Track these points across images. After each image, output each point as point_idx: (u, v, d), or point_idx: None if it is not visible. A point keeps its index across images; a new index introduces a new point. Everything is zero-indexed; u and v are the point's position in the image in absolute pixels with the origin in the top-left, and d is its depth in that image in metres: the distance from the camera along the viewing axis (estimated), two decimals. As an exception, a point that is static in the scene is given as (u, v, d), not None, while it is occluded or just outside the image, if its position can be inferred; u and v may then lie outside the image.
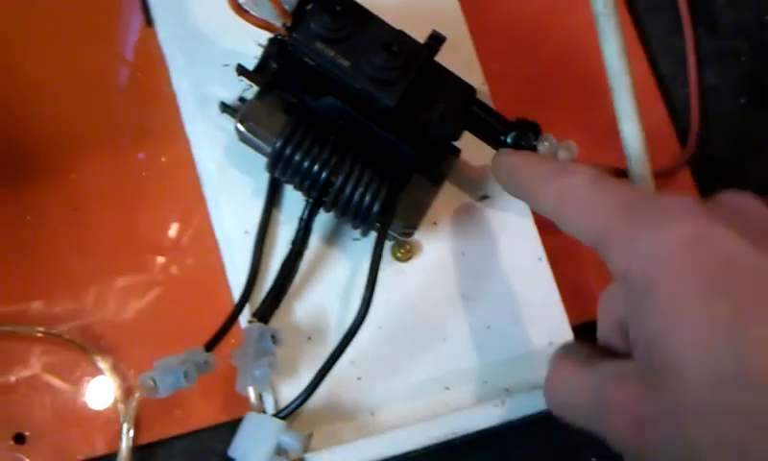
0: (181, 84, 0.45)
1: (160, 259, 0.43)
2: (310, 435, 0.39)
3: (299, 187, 0.41)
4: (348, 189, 0.40)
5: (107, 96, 0.45)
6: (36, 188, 0.43)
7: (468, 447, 0.42)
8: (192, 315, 0.43)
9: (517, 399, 0.42)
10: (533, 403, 0.42)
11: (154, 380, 0.37)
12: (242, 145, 0.42)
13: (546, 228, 0.45)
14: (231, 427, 0.39)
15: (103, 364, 0.41)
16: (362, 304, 0.39)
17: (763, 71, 0.54)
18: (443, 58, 0.41)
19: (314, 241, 0.42)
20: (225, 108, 0.43)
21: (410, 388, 0.42)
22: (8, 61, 0.45)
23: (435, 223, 0.44)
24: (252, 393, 0.40)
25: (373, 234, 0.41)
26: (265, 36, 0.41)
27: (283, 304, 0.41)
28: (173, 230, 0.44)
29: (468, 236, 0.44)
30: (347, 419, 0.41)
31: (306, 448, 0.39)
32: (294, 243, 0.41)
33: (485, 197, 0.45)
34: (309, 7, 0.39)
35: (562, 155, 0.41)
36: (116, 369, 0.41)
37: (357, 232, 0.42)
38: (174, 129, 0.45)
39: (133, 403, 0.39)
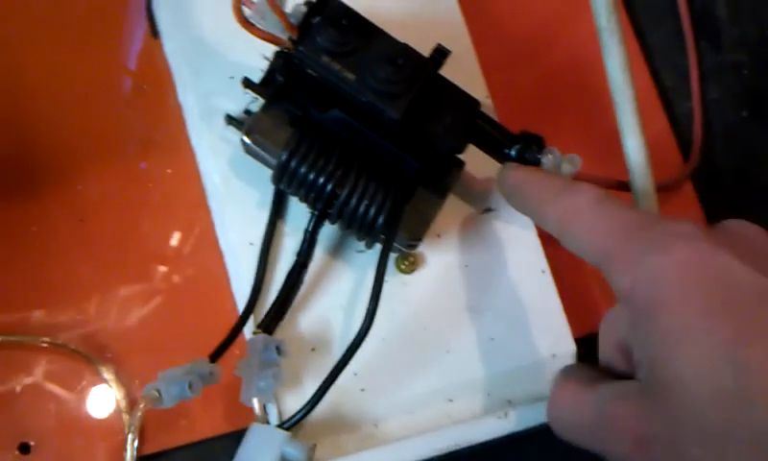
0: (187, 97, 0.45)
1: (165, 270, 0.43)
2: (314, 446, 0.39)
3: (304, 199, 0.41)
4: (353, 201, 0.40)
5: (112, 108, 0.46)
6: (42, 199, 0.44)
7: (472, 458, 0.42)
8: (196, 326, 0.43)
9: (521, 410, 0.42)
10: (536, 415, 0.42)
11: (158, 391, 0.37)
12: (247, 157, 0.42)
13: (550, 240, 0.45)
14: (236, 438, 0.40)
15: (107, 374, 0.41)
16: (366, 316, 0.40)
17: (765, 84, 0.55)
18: (447, 71, 0.41)
19: (319, 253, 0.42)
20: (230, 120, 0.43)
21: (413, 399, 0.42)
22: (14, 73, 0.45)
23: (439, 235, 0.44)
24: (256, 404, 0.40)
25: (378, 247, 0.41)
26: (271, 50, 0.41)
27: (288, 316, 0.42)
28: (178, 242, 0.44)
29: (471, 249, 0.44)
30: (350, 430, 0.41)
31: (310, 459, 0.39)
32: (299, 255, 0.41)
33: (489, 209, 0.45)
34: (315, 21, 0.39)
35: (565, 168, 0.41)
36: (121, 379, 0.41)
37: (361, 245, 0.42)
38: (179, 141, 0.45)
39: (138, 414, 0.39)
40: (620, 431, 0.31)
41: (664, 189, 0.49)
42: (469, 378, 0.43)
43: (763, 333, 0.29)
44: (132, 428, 0.39)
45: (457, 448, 0.41)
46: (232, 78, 0.44)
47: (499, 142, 0.42)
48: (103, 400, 0.41)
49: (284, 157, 0.40)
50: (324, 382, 0.39)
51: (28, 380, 0.41)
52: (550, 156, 0.41)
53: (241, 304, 0.42)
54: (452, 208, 0.44)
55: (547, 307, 0.44)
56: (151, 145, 0.45)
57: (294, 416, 0.39)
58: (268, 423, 0.40)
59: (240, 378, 0.39)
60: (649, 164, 0.42)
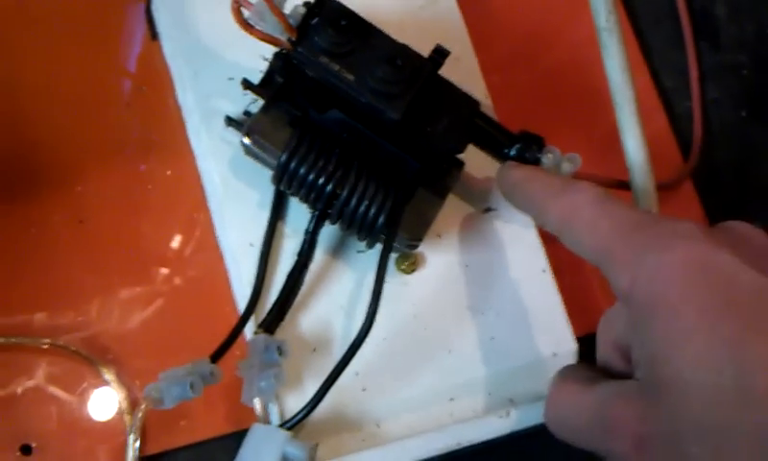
0: (187, 98, 0.45)
1: (165, 271, 0.44)
2: (316, 446, 0.39)
3: (304, 200, 0.41)
4: (353, 202, 0.40)
5: (112, 109, 0.46)
6: (41, 201, 0.44)
7: (473, 457, 0.42)
8: (197, 327, 0.43)
9: (522, 409, 0.42)
10: (537, 414, 0.42)
11: (159, 391, 0.37)
12: (247, 158, 0.42)
13: (550, 239, 0.45)
14: (237, 438, 0.40)
15: (108, 375, 0.41)
16: (367, 316, 0.40)
17: (764, 84, 0.55)
18: (446, 71, 0.41)
19: (319, 253, 0.42)
20: (230, 121, 0.43)
21: (415, 399, 0.42)
22: (13, 75, 0.45)
23: (439, 235, 0.44)
24: (257, 404, 0.40)
25: (378, 247, 0.41)
26: (270, 51, 0.41)
27: (288, 316, 0.42)
28: (178, 243, 0.44)
29: (472, 248, 0.45)
30: (352, 430, 0.41)
31: (312, 459, 0.39)
32: (299, 255, 0.41)
33: (489, 209, 0.45)
34: (314, 21, 0.39)
35: (565, 167, 0.41)
36: (122, 380, 0.41)
37: (362, 245, 0.42)
38: (179, 142, 0.45)
39: (139, 414, 0.39)
40: (619, 431, 0.31)
41: (664, 188, 0.49)
42: (471, 378, 0.43)
43: (764, 332, 0.29)
44: (134, 429, 0.39)
45: (459, 447, 0.41)
46: (232, 79, 0.44)
47: (499, 142, 0.42)
48: (104, 401, 0.41)
49: (284, 158, 0.40)
50: (326, 382, 0.39)
51: (29, 382, 0.41)
52: (550, 155, 0.41)
53: (242, 305, 0.42)
54: (452, 208, 0.44)
55: (548, 306, 0.44)
56: (150, 146, 0.45)
57: (295, 416, 0.39)
58: (269, 423, 0.40)
59: (241, 379, 0.39)
60: (649, 163, 0.42)
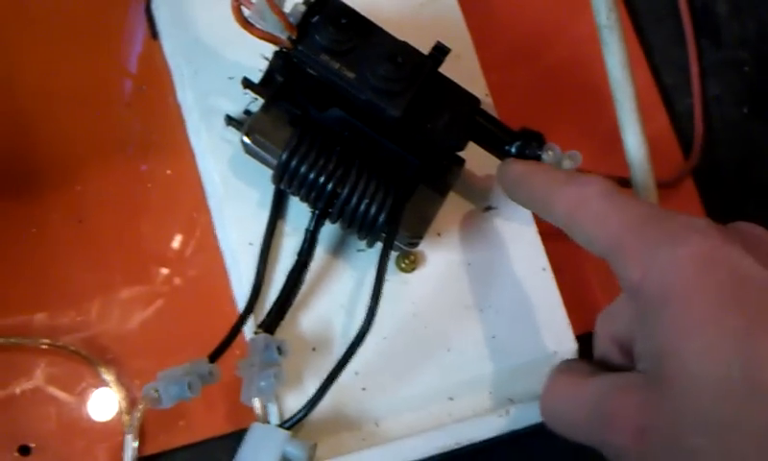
0: (187, 97, 0.45)
1: (165, 271, 0.43)
2: (315, 445, 0.39)
3: (304, 199, 0.41)
4: (353, 200, 0.40)
5: (112, 108, 0.46)
6: (41, 201, 0.44)
7: (473, 456, 0.42)
8: (196, 326, 0.43)
9: (522, 408, 0.42)
10: (537, 413, 0.41)
11: (158, 391, 0.37)
12: (247, 157, 0.42)
13: (550, 238, 0.45)
14: (236, 438, 0.40)
15: (107, 375, 0.41)
16: (367, 315, 0.40)
17: (766, 81, 0.55)
18: (447, 69, 0.41)
19: (319, 252, 0.42)
20: (230, 120, 0.43)
21: (414, 398, 0.42)
22: (12, 73, 0.45)
23: (439, 233, 0.44)
24: (257, 403, 0.40)
25: (378, 246, 0.41)
26: (270, 49, 0.41)
27: (288, 315, 0.41)
28: (177, 242, 0.44)
29: (472, 247, 0.44)
30: (351, 429, 0.41)
31: (311, 459, 0.39)
32: (299, 254, 0.41)
33: (489, 207, 0.45)
34: (314, 20, 0.39)
35: (566, 164, 0.41)
36: (120, 380, 0.41)
37: (362, 243, 0.42)
38: (179, 141, 0.45)
39: (138, 414, 0.39)
40: (619, 422, 0.31)
41: (665, 186, 0.49)
42: (470, 377, 0.42)
43: None
44: (132, 429, 0.39)
45: (458, 446, 0.41)
46: (232, 78, 0.44)
47: (499, 139, 0.42)
48: (103, 401, 0.41)
49: (284, 157, 0.40)
50: (325, 381, 0.39)
51: (28, 382, 0.41)
52: (551, 152, 0.41)
53: (240, 305, 0.42)
54: (453, 206, 0.44)
55: (548, 305, 0.44)
56: (150, 145, 0.45)
57: (295, 415, 0.39)
58: (269, 422, 0.40)
59: (240, 378, 0.39)
60: (649, 161, 0.42)
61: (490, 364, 0.43)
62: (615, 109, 0.43)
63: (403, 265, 0.43)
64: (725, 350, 0.29)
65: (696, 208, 0.50)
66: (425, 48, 0.40)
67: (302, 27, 0.39)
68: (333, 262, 0.43)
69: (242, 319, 0.41)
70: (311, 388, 0.39)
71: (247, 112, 0.43)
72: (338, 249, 0.43)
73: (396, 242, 0.41)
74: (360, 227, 0.40)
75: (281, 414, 0.40)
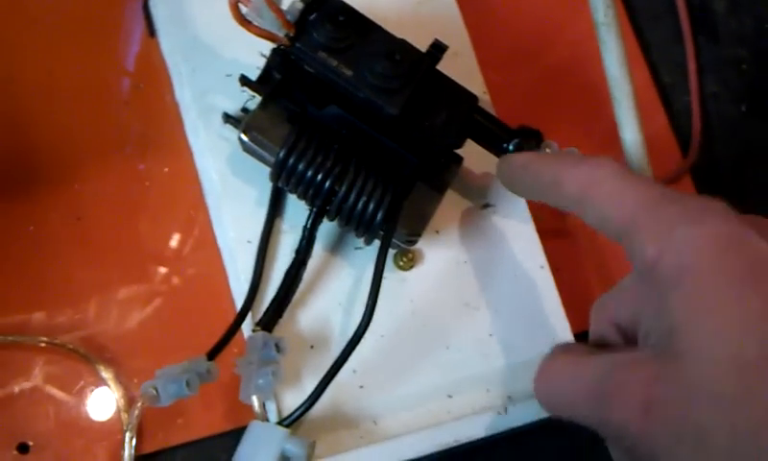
0: (184, 95, 0.45)
1: (163, 269, 0.43)
2: (314, 443, 0.39)
3: (302, 196, 0.41)
4: (351, 198, 0.40)
5: (109, 107, 0.46)
6: (39, 199, 0.43)
7: (471, 454, 0.42)
8: (194, 324, 0.43)
9: (520, 406, 0.42)
10: (535, 411, 0.42)
11: (156, 389, 0.37)
12: (244, 155, 0.42)
13: (548, 235, 0.45)
14: (235, 436, 0.39)
15: (105, 374, 0.41)
16: (365, 313, 0.40)
17: (764, 79, 0.55)
18: (444, 67, 0.41)
19: (317, 250, 0.42)
20: (228, 118, 0.43)
21: (413, 396, 0.42)
22: (10, 72, 0.45)
23: (437, 231, 0.44)
24: (255, 401, 0.40)
25: (376, 243, 0.41)
26: (268, 47, 0.41)
27: (286, 313, 0.41)
28: (175, 240, 0.44)
29: (470, 244, 0.44)
30: (349, 427, 0.41)
31: (310, 457, 0.39)
32: (297, 252, 0.41)
33: (487, 205, 0.45)
34: (312, 17, 0.39)
35: (564, 162, 0.41)
36: (119, 378, 0.41)
37: (360, 241, 0.42)
38: (176, 139, 0.45)
39: (136, 412, 0.39)
40: (624, 396, 0.31)
41: (663, 184, 0.49)
42: (469, 374, 0.42)
43: None
44: (130, 427, 0.39)
45: (457, 444, 0.41)
46: (229, 75, 0.44)
47: (497, 137, 0.42)
48: (101, 399, 0.41)
49: (282, 155, 0.40)
50: (323, 379, 0.39)
51: (26, 381, 0.41)
52: (548, 150, 0.41)
53: (238, 303, 0.42)
54: (451, 204, 0.44)
55: (546, 303, 0.44)
56: (148, 144, 0.45)
57: (293, 413, 0.39)
58: (267, 420, 0.40)
59: (239, 376, 0.39)
60: (647, 158, 0.42)
61: (488, 362, 0.43)
62: (613, 106, 0.43)
63: (401, 263, 0.43)
64: (741, 329, 0.29)
65: (694, 206, 0.50)
66: (423, 46, 0.40)
67: (300, 24, 0.39)
68: (331, 260, 0.43)
69: (240, 317, 0.41)
70: (309, 386, 0.39)
71: (244, 110, 0.43)
72: (336, 246, 0.43)
73: (393, 240, 0.41)
74: (358, 224, 0.40)
75: (280, 412, 0.40)
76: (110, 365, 0.41)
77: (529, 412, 0.42)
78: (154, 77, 0.46)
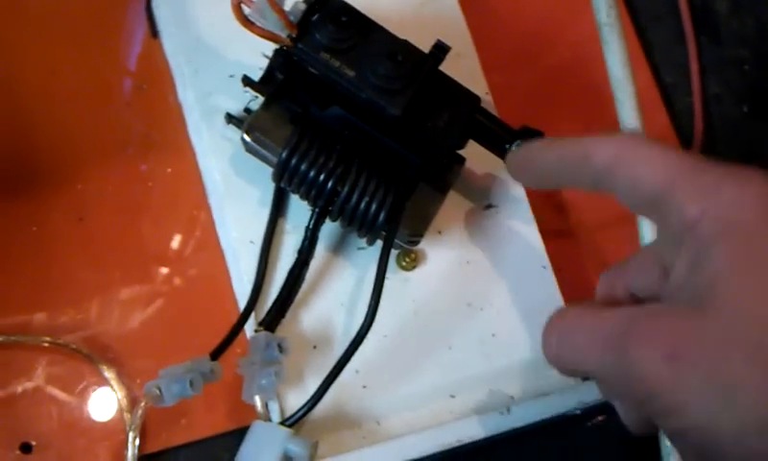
0: (187, 95, 0.45)
1: (165, 269, 0.43)
2: (316, 443, 0.39)
3: (304, 197, 0.41)
4: (354, 198, 0.40)
5: (112, 107, 0.46)
6: (42, 199, 0.44)
7: (474, 454, 0.42)
8: (197, 325, 0.43)
9: (523, 406, 0.42)
10: (538, 411, 0.42)
11: (159, 389, 0.37)
12: (247, 155, 0.42)
13: (550, 236, 0.45)
14: (237, 436, 0.40)
15: (108, 374, 0.41)
16: (368, 313, 0.40)
17: (766, 80, 0.55)
18: (447, 68, 0.41)
19: (319, 250, 0.42)
20: (230, 118, 0.43)
21: (415, 396, 0.42)
22: (13, 73, 0.45)
23: (440, 232, 0.44)
24: (258, 401, 0.40)
25: (379, 243, 0.41)
26: (271, 47, 0.41)
27: (289, 314, 0.42)
28: (178, 241, 0.44)
29: (472, 245, 0.44)
30: (352, 427, 0.41)
31: (313, 457, 0.39)
32: (300, 252, 0.41)
33: (490, 205, 0.45)
34: (314, 18, 0.39)
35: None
36: (122, 378, 0.41)
37: (363, 242, 0.42)
38: (179, 140, 0.45)
39: (139, 412, 0.39)
40: (651, 345, 0.29)
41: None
42: (471, 374, 0.42)
43: None
44: (134, 427, 0.39)
45: (459, 444, 0.41)
46: (232, 76, 0.44)
47: (500, 137, 0.42)
48: (104, 399, 0.41)
49: (285, 155, 0.40)
50: (326, 379, 0.39)
51: (29, 381, 0.41)
52: (551, 150, 0.41)
53: (242, 303, 0.42)
54: (453, 205, 0.44)
55: (548, 303, 0.44)
56: (151, 144, 0.45)
57: (296, 413, 0.39)
58: (270, 420, 0.40)
59: (242, 377, 0.39)
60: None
61: (490, 362, 0.43)
62: (616, 107, 0.43)
63: (404, 263, 0.43)
64: None
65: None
66: (426, 46, 0.40)
67: (303, 25, 0.39)
68: (334, 260, 0.43)
69: (243, 317, 0.41)
70: (312, 386, 0.39)
71: (247, 111, 0.43)
72: (338, 247, 0.43)
73: (396, 240, 0.41)
74: (360, 225, 0.41)
75: (282, 412, 0.40)
76: (113, 365, 0.41)
77: (532, 412, 0.42)
78: (156, 77, 0.46)
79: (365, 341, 0.39)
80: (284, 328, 0.41)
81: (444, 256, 0.44)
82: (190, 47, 0.45)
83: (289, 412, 0.40)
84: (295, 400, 0.40)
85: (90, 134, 0.45)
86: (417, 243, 0.43)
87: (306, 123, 0.41)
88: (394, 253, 0.43)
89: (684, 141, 0.52)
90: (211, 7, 0.45)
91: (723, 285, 0.29)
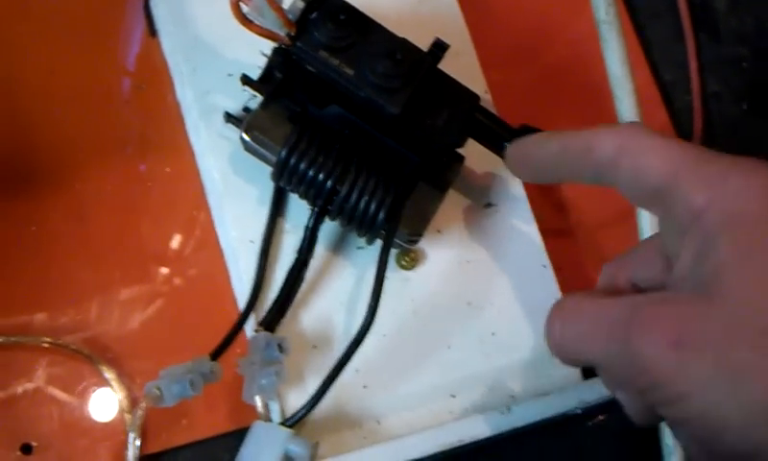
0: (186, 95, 0.45)
1: (165, 269, 0.43)
2: (317, 444, 0.39)
3: (304, 196, 0.41)
4: (353, 197, 0.40)
5: (111, 107, 0.46)
6: (41, 199, 0.43)
7: (474, 454, 0.42)
8: (197, 325, 0.43)
9: (523, 406, 0.42)
10: (539, 410, 0.42)
11: (159, 389, 0.37)
12: (246, 154, 0.42)
13: (550, 235, 0.45)
14: (238, 436, 0.39)
15: (109, 374, 0.41)
16: (368, 312, 0.39)
17: (765, 77, 0.55)
18: (445, 66, 0.41)
19: (319, 250, 0.42)
20: (229, 117, 0.43)
21: (416, 396, 0.42)
22: (11, 73, 0.45)
23: (439, 231, 0.44)
24: (258, 402, 0.40)
25: (378, 243, 0.41)
26: (269, 46, 0.41)
27: (289, 313, 0.41)
28: (177, 241, 0.44)
29: (472, 244, 0.44)
30: (353, 427, 0.41)
31: (313, 457, 0.39)
32: (299, 252, 0.41)
33: (489, 204, 0.45)
34: (313, 16, 0.39)
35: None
36: (122, 379, 0.41)
37: (362, 241, 0.42)
38: (178, 139, 0.45)
39: (140, 413, 0.39)
40: (656, 333, 0.29)
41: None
42: (471, 374, 0.42)
43: None
44: (134, 427, 0.39)
45: (460, 443, 0.41)
46: (231, 75, 0.44)
47: (499, 135, 0.41)
48: (105, 400, 0.41)
49: (284, 154, 0.40)
50: (327, 379, 0.39)
51: (29, 382, 0.41)
52: (550, 149, 0.41)
53: (242, 303, 0.42)
54: (453, 204, 0.44)
55: (549, 302, 0.43)
56: (149, 144, 0.45)
57: (296, 413, 0.39)
58: (270, 420, 0.40)
59: (242, 377, 0.39)
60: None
61: (491, 361, 0.43)
62: (615, 105, 0.43)
63: (404, 262, 0.43)
64: None
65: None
66: (424, 44, 0.40)
67: (301, 23, 0.39)
68: (333, 260, 0.43)
69: (243, 317, 0.41)
70: (312, 386, 0.39)
71: (246, 110, 0.43)
72: (338, 246, 0.43)
73: (395, 239, 0.41)
74: (360, 224, 0.40)
75: (283, 412, 0.40)
76: (113, 365, 0.41)
77: (532, 411, 0.42)
78: (155, 77, 0.46)
79: (365, 341, 0.39)
80: (284, 328, 0.41)
81: (444, 256, 0.44)
82: (188, 46, 0.45)
83: (289, 412, 0.40)
84: (295, 400, 0.40)
85: (89, 134, 0.45)
86: (416, 242, 0.43)
87: (305, 122, 0.41)
88: (393, 252, 0.43)
89: (684, 139, 0.52)
90: (209, 5, 0.45)
91: (729, 274, 0.29)
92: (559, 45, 0.52)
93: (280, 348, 0.39)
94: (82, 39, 0.46)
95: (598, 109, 0.48)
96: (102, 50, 0.46)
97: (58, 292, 0.42)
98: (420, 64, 0.39)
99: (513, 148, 0.40)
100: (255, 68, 0.42)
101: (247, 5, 0.38)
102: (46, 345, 0.41)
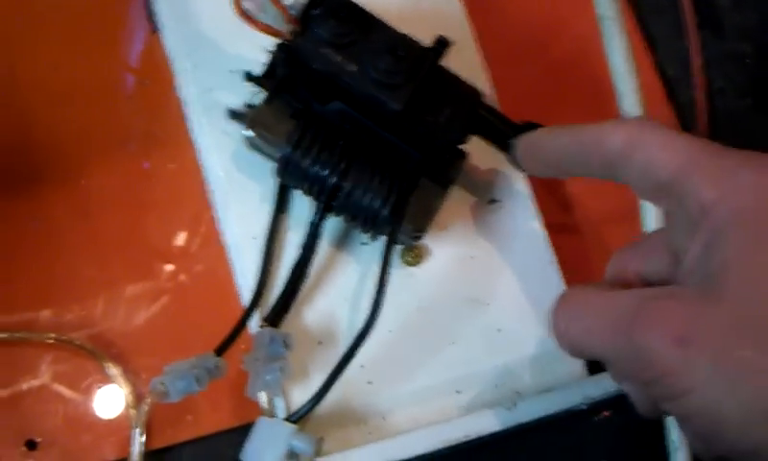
0: (188, 91, 0.45)
1: (170, 266, 0.43)
2: (321, 439, 0.39)
3: (307, 192, 0.41)
4: (356, 193, 0.40)
5: (114, 103, 0.46)
6: (45, 195, 0.43)
7: (480, 450, 0.42)
8: (201, 321, 0.43)
9: (528, 401, 0.42)
10: (544, 406, 0.42)
11: (164, 385, 0.37)
12: (249, 151, 0.42)
13: (556, 231, 0.45)
14: (242, 432, 0.39)
15: (113, 370, 0.41)
16: (372, 308, 0.40)
17: (768, 73, 0.55)
18: (448, 62, 0.41)
19: (323, 246, 0.42)
20: (232, 114, 0.43)
21: (421, 391, 0.42)
22: (15, 70, 0.45)
23: (444, 227, 0.44)
24: (263, 397, 0.40)
25: (382, 239, 0.41)
26: (272, 42, 0.41)
27: (293, 309, 0.42)
28: (181, 237, 0.44)
29: (477, 240, 0.44)
30: (357, 423, 0.41)
31: (318, 453, 0.39)
32: (303, 248, 0.41)
33: (493, 201, 0.45)
34: (315, 12, 0.39)
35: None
36: (127, 375, 0.41)
37: (366, 237, 0.42)
38: (181, 135, 0.45)
39: (145, 408, 0.39)
40: (662, 327, 0.29)
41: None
42: (477, 370, 0.42)
43: None
44: (139, 423, 0.39)
45: (466, 439, 0.41)
46: (233, 71, 0.44)
47: (502, 132, 0.41)
48: (109, 395, 0.41)
49: (287, 151, 0.40)
50: (331, 375, 0.39)
51: (34, 377, 0.41)
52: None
53: (245, 299, 0.42)
54: (457, 200, 0.44)
55: (554, 298, 0.43)
56: (153, 140, 0.45)
57: (301, 409, 0.39)
58: (275, 416, 0.40)
59: (246, 373, 0.39)
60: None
61: (496, 357, 0.43)
62: (618, 101, 0.43)
63: (408, 259, 0.43)
64: None
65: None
66: (426, 41, 0.40)
67: (304, 19, 0.39)
68: (337, 255, 0.43)
69: (247, 313, 0.41)
70: (317, 382, 0.39)
71: (249, 106, 0.43)
72: (342, 242, 0.43)
73: (399, 235, 0.41)
74: (364, 220, 0.40)
75: (288, 408, 0.40)
76: (118, 362, 0.41)
77: (538, 407, 0.42)
78: (158, 73, 0.46)
79: (369, 336, 0.39)
80: (288, 324, 0.41)
81: (449, 252, 0.44)
82: (191, 42, 0.45)
83: (294, 408, 0.40)
84: (300, 395, 0.40)
85: (93, 130, 0.45)
86: (420, 238, 0.43)
87: (308, 118, 0.41)
88: (398, 248, 0.43)
89: (688, 135, 0.52)
90: (212, 2, 0.45)
91: (736, 270, 0.29)
92: (562, 41, 0.52)
93: (285, 343, 0.39)
94: (85, 36, 0.46)
95: (602, 105, 0.48)
96: (105, 46, 0.46)
97: (62, 288, 0.42)
98: (422, 61, 0.39)
99: (522, 141, 0.40)
100: (258, 64, 0.42)
101: (249, 1, 0.38)
102: (51, 341, 0.41)
